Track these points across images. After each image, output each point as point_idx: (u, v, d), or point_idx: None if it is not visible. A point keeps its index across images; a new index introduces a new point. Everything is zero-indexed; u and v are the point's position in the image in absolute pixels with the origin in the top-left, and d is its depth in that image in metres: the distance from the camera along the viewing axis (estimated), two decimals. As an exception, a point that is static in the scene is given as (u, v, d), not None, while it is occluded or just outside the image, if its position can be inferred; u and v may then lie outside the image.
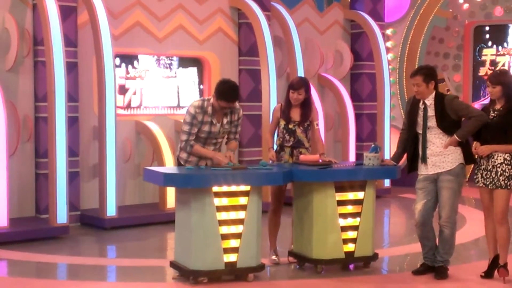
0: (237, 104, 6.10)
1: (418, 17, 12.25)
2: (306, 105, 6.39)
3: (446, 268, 6.00)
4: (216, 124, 6.03)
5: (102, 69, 8.02)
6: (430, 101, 5.90)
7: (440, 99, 5.88)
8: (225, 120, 6.06)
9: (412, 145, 6.00)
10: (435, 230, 6.01)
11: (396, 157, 6.22)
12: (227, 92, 5.91)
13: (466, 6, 12.80)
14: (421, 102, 5.93)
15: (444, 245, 5.95)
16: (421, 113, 5.92)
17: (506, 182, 5.69)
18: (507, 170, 5.70)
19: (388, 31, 12.18)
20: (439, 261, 5.99)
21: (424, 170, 5.95)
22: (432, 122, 5.86)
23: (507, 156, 5.71)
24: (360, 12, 11.14)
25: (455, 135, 5.81)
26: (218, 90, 5.94)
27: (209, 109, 5.99)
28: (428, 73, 5.90)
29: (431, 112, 5.87)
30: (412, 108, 6.00)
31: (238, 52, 9.84)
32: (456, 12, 12.83)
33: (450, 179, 5.85)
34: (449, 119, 5.84)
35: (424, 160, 5.91)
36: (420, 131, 5.93)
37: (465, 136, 5.83)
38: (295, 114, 6.39)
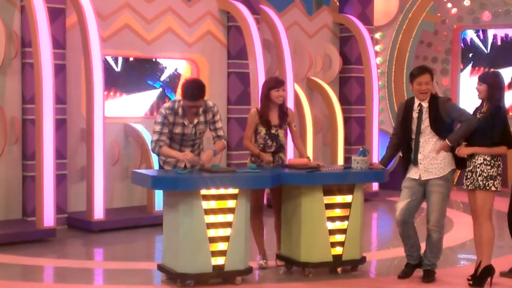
0: (210, 102, 6.06)
1: (407, 21, 12.29)
2: (283, 107, 6.37)
3: (433, 271, 6.01)
4: (189, 125, 5.99)
5: (90, 71, 8.00)
6: (426, 103, 5.88)
7: (434, 101, 5.87)
8: (196, 120, 6.01)
9: (407, 150, 5.95)
10: (422, 234, 6.01)
11: (385, 161, 6.22)
12: (190, 91, 5.87)
13: (454, 10, 12.87)
14: (417, 104, 5.91)
15: (432, 249, 5.96)
16: (416, 115, 5.89)
17: (484, 182, 5.69)
18: (485, 171, 5.69)
19: (377, 35, 12.22)
20: (426, 264, 6.00)
21: (414, 174, 5.92)
22: (425, 124, 5.84)
23: (487, 156, 5.71)
24: (349, 15, 11.17)
25: (446, 140, 5.81)
26: (183, 89, 5.92)
27: (180, 110, 5.95)
28: (432, 73, 5.95)
29: (426, 114, 5.85)
30: (406, 111, 5.96)
31: (227, 55, 9.83)
32: (445, 16, 12.89)
33: (441, 184, 5.85)
34: (442, 121, 5.82)
35: (416, 163, 5.89)
36: (413, 134, 5.90)
37: (456, 140, 5.83)
38: (274, 118, 6.33)
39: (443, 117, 5.83)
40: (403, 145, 6.00)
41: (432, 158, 5.84)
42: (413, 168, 5.93)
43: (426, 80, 5.85)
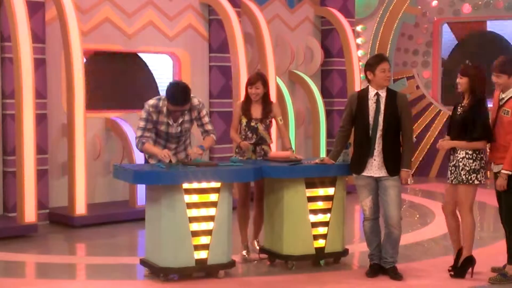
0: (195, 100, 6.00)
1: (388, 13, 12.34)
2: (266, 101, 6.39)
3: (396, 267, 5.90)
4: (173, 124, 5.96)
5: (70, 65, 7.94)
6: (384, 93, 5.80)
7: (392, 94, 5.79)
8: (181, 120, 5.97)
9: (365, 143, 5.79)
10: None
11: (335, 156, 6.06)
12: (175, 95, 5.80)
13: (434, 3, 12.93)
14: (373, 93, 5.78)
15: (394, 246, 5.85)
16: (373, 105, 5.78)
17: (467, 176, 5.67)
18: (467, 164, 5.67)
19: (358, 28, 12.25)
20: (390, 262, 5.88)
21: (368, 171, 5.80)
22: (382, 117, 5.73)
23: (469, 150, 5.69)
24: (330, 8, 11.18)
25: (404, 170, 5.74)
26: (167, 93, 5.84)
27: (164, 109, 5.91)
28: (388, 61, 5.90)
29: (383, 105, 5.74)
30: (361, 103, 5.81)
31: (209, 49, 9.81)
32: (425, 9, 12.95)
33: (395, 178, 5.77)
34: (396, 116, 5.72)
35: (372, 156, 5.76)
36: (370, 127, 5.76)
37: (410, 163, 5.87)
38: (256, 111, 6.37)
39: (398, 113, 5.73)
40: (360, 138, 5.84)
41: (386, 155, 5.73)
42: (367, 163, 5.79)
43: (388, 66, 5.77)
